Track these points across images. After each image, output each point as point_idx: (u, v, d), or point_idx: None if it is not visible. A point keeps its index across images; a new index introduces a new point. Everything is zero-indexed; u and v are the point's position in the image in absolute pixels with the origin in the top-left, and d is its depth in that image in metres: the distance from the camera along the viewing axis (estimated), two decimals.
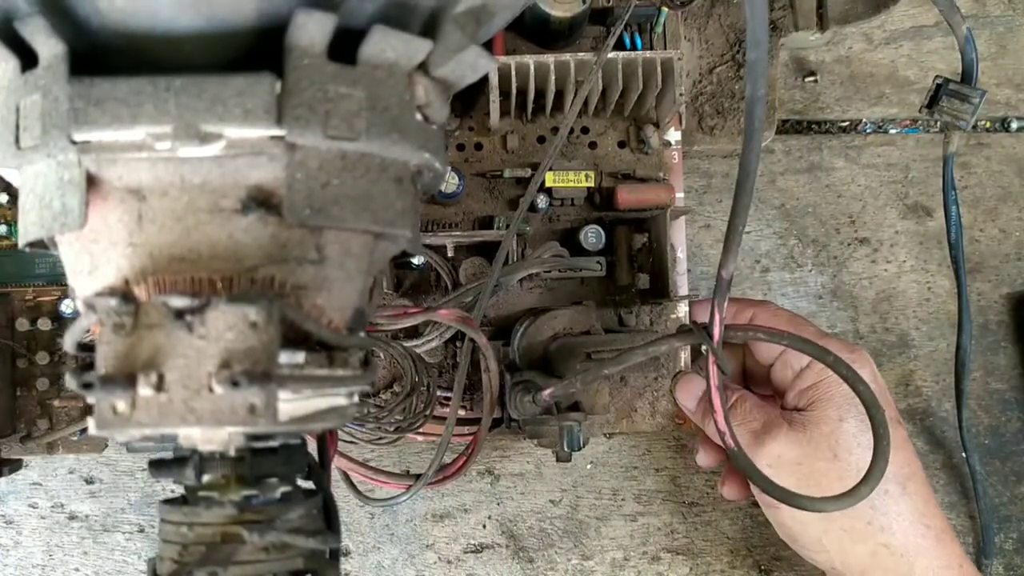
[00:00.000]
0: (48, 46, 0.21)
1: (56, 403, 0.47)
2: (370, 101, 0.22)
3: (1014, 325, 0.55)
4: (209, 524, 0.23)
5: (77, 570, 0.53)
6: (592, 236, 0.46)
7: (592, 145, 0.48)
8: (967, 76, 0.42)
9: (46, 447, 0.47)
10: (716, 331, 0.30)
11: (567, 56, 0.44)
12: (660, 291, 0.46)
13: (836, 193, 0.55)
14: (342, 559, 0.52)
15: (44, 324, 0.47)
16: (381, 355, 0.45)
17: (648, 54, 0.44)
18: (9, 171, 0.24)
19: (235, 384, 0.21)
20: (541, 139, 0.48)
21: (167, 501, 0.24)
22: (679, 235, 0.47)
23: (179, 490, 0.25)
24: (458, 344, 0.46)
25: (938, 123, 0.43)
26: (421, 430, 0.44)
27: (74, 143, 0.21)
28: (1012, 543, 0.54)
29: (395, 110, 0.23)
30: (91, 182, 0.22)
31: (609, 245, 0.46)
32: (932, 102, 0.42)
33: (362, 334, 0.26)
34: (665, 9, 0.47)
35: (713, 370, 0.32)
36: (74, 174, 0.22)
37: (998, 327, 0.55)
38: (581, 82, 0.44)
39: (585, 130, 0.48)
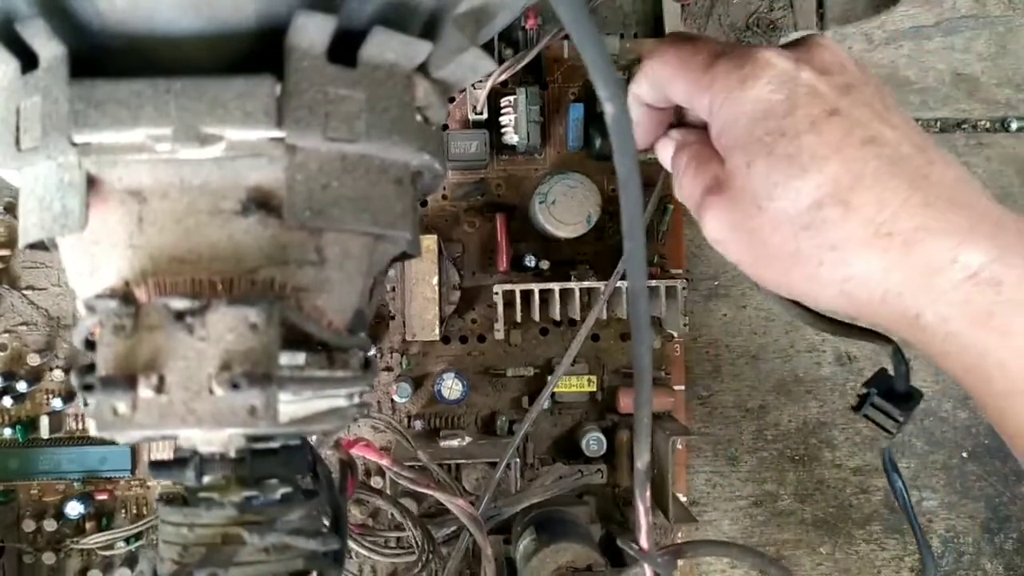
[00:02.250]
0: (48, 48, 0.21)
1: None
2: (370, 103, 0.22)
3: None
4: (209, 525, 0.23)
5: None
6: (594, 444, 0.47)
7: (595, 338, 0.48)
8: (895, 389, 0.35)
9: None
10: (644, 541, 0.31)
11: (572, 284, 0.44)
12: (660, 505, 0.46)
13: None
14: None
15: (50, 525, 0.48)
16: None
17: (653, 283, 0.45)
18: (9, 172, 0.24)
19: (235, 386, 0.21)
20: (544, 331, 0.48)
21: (167, 502, 0.24)
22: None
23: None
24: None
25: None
26: None
27: (74, 145, 0.21)
28: (1012, 543, 0.54)
29: (395, 112, 0.23)
30: (91, 184, 0.22)
31: (611, 448, 0.47)
32: (860, 405, 0.36)
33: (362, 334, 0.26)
34: (671, 206, 0.46)
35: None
36: (74, 176, 0.22)
37: None
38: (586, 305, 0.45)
39: None
